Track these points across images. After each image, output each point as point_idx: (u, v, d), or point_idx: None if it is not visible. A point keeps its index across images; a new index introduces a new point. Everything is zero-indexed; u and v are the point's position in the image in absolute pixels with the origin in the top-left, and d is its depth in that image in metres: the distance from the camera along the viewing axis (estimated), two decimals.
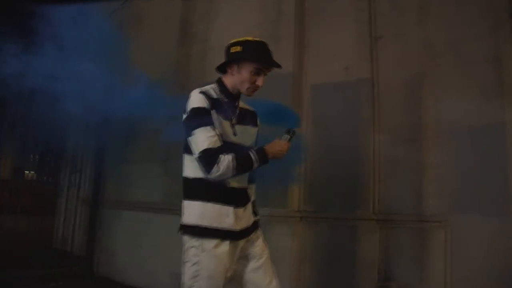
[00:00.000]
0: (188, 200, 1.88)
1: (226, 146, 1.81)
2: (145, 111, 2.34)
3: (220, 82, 1.98)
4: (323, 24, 3.86)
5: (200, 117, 1.79)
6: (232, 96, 1.96)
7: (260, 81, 1.94)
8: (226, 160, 1.75)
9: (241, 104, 2.03)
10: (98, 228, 4.83)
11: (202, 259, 1.77)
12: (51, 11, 2.34)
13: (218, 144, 1.78)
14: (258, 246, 1.99)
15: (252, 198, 2.09)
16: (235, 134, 1.90)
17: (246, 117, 2.00)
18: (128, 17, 5.21)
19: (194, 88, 2.57)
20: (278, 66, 1.98)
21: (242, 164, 1.79)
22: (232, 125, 1.90)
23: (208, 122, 1.79)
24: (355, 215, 3.43)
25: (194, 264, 1.78)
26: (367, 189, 3.48)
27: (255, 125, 2.07)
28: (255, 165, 1.83)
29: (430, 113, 3.44)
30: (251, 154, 1.83)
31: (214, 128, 1.79)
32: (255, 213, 2.09)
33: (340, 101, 3.71)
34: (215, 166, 1.74)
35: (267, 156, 1.86)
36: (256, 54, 1.93)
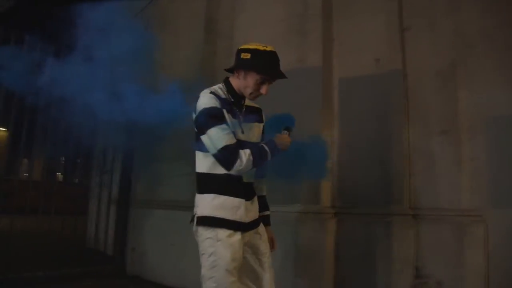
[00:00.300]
0: (202, 193, 2.00)
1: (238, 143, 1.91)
2: (173, 113, 2.38)
3: (227, 83, 2.06)
4: (351, 16, 3.79)
5: (213, 116, 1.88)
6: (238, 96, 2.04)
7: (264, 89, 2.00)
8: (246, 155, 1.86)
9: (247, 102, 2.10)
10: (130, 228, 4.88)
11: (218, 249, 1.85)
12: (79, 15, 2.36)
13: (234, 140, 1.89)
14: (265, 241, 2.09)
15: (263, 193, 2.22)
16: (242, 132, 1.98)
17: (252, 115, 2.08)
18: (152, 17, 5.25)
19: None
20: (285, 77, 2.03)
21: (259, 157, 1.91)
22: (240, 124, 1.98)
23: (222, 121, 1.88)
24: (390, 210, 3.35)
25: (211, 254, 1.86)
26: (401, 184, 3.39)
27: (261, 121, 2.16)
28: (269, 157, 1.94)
29: (464, 104, 3.33)
30: (265, 147, 1.94)
31: (228, 126, 1.89)
32: (267, 207, 2.24)
33: (370, 94, 3.63)
34: (238, 161, 1.85)
35: (277, 148, 1.96)
36: (263, 66, 1.96)
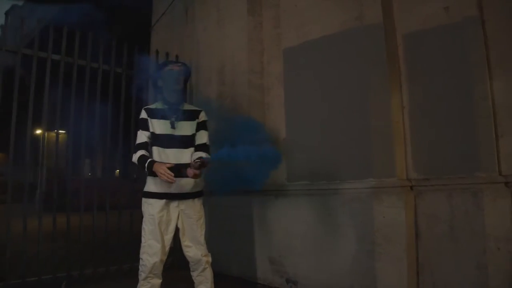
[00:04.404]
0: (147, 175, 2.81)
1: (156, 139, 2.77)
2: None
3: (162, 99, 2.88)
4: None
5: (139, 124, 2.82)
6: (170, 103, 2.81)
7: (176, 83, 2.84)
8: (136, 155, 2.71)
9: (185, 107, 2.87)
10: None
11: (146, 209, 2.73)
12: None
13: (143, 140, 2.77)
14: (194, 209, 2.79)
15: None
16: (173, 127, 2.75)
17: (186, 115, 2.81)
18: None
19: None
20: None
21: (139, 163, 2.69)
22: (171, 122, 2.75)
23: (143, 127, 2.78)
24: (477, 179, 2.88)
25: (144, 212, 2.74)
26: (488, 147, 2.90)
27: (193, 119, 2.83)
28: (144, 168, 2.68)
29: None
30: (147, 162, 2.64)
31: (146, 131, 2.77)
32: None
33: (442, 49, 3.16)
34: (133, 156, 2.74)
35: (152, 169, 2.62)
36: (160, 65, 2.96)
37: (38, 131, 12.65)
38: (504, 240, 2.76)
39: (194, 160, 2.58)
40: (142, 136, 2.76)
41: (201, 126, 2.85)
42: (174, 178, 2.53)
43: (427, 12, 3.24)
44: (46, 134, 3.97)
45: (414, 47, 3.31)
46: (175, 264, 4.31)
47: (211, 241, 2.83)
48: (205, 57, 4.54)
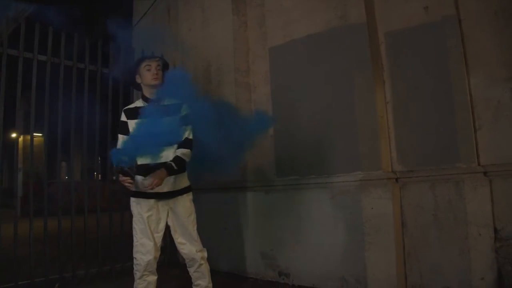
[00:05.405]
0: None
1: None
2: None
3: (141, 95, 2.86)
4: None
5: (119, 128, 2.77)
6: (151, 100, 2.75)
7: (151, 74, 2.74)
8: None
9: (166, 102, 2.72)
10: None
11: (135, 209, 2.73)
12: None
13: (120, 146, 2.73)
14: (183, 206, 2.77)
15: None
16: (155, 124, 2.61)
17: (167, 111, 2.66)
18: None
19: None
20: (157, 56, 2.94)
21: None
22: (153, 119, 2.62)
23: (123, 131, 2.73)
24: (458, 169, 3.05)
25: (133, 212, 2.74)
26: (467, 139, 3.07)
27: (176, 114, 2.70)
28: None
29: None
30: (120, 169, 2.55)
31: (125, 135, 2.70)
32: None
33: (422, 46, 3.31)
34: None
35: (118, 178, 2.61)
36: (137, 60, 2.87)
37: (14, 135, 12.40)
38: (484, 226, 2.93)
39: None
40: (120, 142, 2.73)
41: (183, 121, 2.72)
42: (131, 184, 2.53)
43: (408, 12, 3.38)
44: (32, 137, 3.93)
45: (396, 45, 3.44)
46: (166, 262, 4.37)
47: (202, 238, 2.84)
48: (190, 57, 4.57)
